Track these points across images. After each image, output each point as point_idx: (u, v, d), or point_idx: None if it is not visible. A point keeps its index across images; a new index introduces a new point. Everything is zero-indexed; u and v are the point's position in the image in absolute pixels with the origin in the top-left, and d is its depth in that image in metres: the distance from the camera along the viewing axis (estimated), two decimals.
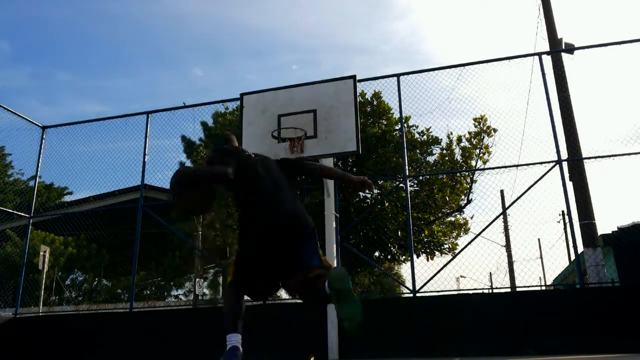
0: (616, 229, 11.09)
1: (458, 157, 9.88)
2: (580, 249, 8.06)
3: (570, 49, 8.51)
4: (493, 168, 7.79)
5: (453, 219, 10.75)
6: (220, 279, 20.27)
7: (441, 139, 10.30)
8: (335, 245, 7.02)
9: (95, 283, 20.84)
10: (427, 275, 7.31)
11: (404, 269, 18.24)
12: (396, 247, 10.76)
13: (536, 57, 7.71)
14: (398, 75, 8.13)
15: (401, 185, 9.05)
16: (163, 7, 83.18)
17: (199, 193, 2.91)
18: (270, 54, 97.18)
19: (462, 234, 10.71)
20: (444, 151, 10.09)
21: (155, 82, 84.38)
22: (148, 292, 21.20)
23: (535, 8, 10.16)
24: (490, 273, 22.98)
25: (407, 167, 7.99)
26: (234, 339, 2.90)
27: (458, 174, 10.13)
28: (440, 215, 10.74)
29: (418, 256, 10.59)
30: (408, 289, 7.34)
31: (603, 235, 10.72)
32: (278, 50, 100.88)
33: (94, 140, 9.37)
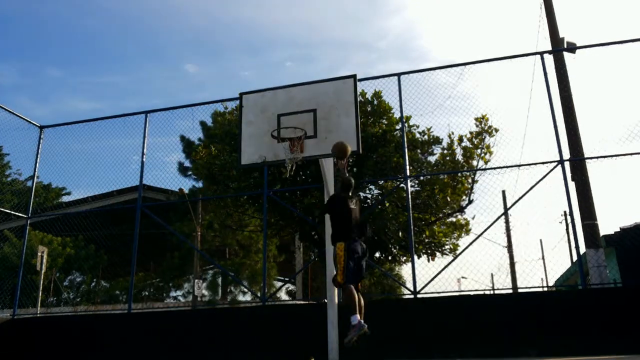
0: (618, 230, 11.03)
1: (459, 157, 9.81)
2: (583, 249, 7.99)
3: (572, 48, 8.46)
4: (495, 168, 7.73)
5: (454, 219, 10.66)
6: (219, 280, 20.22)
7: (442, 139, 10.24)
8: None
9: (93, 284, 20.77)
10: (428, 276, 7.25)
11: (405, 270, 18.18)
12: (397, 247, 10.68)
13: (538, 57, 7.66)
14: (399, 75, 8.08)
15: (402, 185, 8.98)
16: (155, 1, 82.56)
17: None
18: (265, 50, 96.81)
19: (463, 234, 10.62)
20: (445, 151, 10.01)
21: (149, 79, 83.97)
22: (147, 293, 21.12)
23: (537, 7, 10.11)
24: (492, 274, 22.95)
25: (407, 167, 7.92)
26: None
27: (459, 174, 10.06)
28: (441, 215, 10.66)
29: (419, 257, 10.51)
30: (409, 290, 7.28)
31: (605, 236, 10.66)
32: (273, 46, 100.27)
33: (92, 139, 9.30)
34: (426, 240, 10.49)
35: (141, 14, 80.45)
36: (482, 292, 10.11)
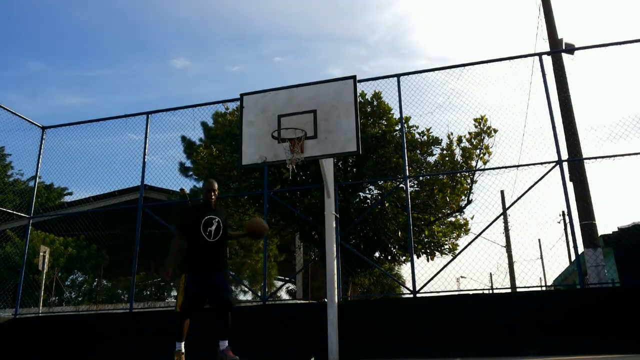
0: (616, 230, 11.08)
1: (458, 157, 9.86)
2: (581, 249, 8.04)
3: (571, 49, 8.50)
4: (493, 168, 7.78)
5: (453, 219, 10.70)
6: None
7: (441, 139, 10.28)
8: (335, 246, 7.00)
9: (95, 283, 20.82)
10: (427, 275, 7.31)
11: (404, 270, 18.25)
12: (396, 247, 10.73)
13: (536, 57, 7.70)
14: (398, 76, 8.13)
15: (401, 185, 9.04)
16: None
17: None
18: (256, 44, 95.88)
19: (462, 234, 10.67)
20: (444, 152, 10.06)
21: (139, 73, 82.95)
22: (148, 292, 21.17)
23: (535, 8, 10.15)
24: (491, 274, 22.97)
25: (407, 167, 7.97)
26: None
27: (458, 175, 10.11)
28: (440, 215, 10.70)
29: (418, 257, 10.56)
30: (408, 289, 7.33)
31: (603, 236, 10.71)
32: (265, 39, 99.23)
33: (93, 138, 9.35)
34: (425, 240, 10.54)
35: (129, 7, 79.35)
36: (481, 292, 10.18)
